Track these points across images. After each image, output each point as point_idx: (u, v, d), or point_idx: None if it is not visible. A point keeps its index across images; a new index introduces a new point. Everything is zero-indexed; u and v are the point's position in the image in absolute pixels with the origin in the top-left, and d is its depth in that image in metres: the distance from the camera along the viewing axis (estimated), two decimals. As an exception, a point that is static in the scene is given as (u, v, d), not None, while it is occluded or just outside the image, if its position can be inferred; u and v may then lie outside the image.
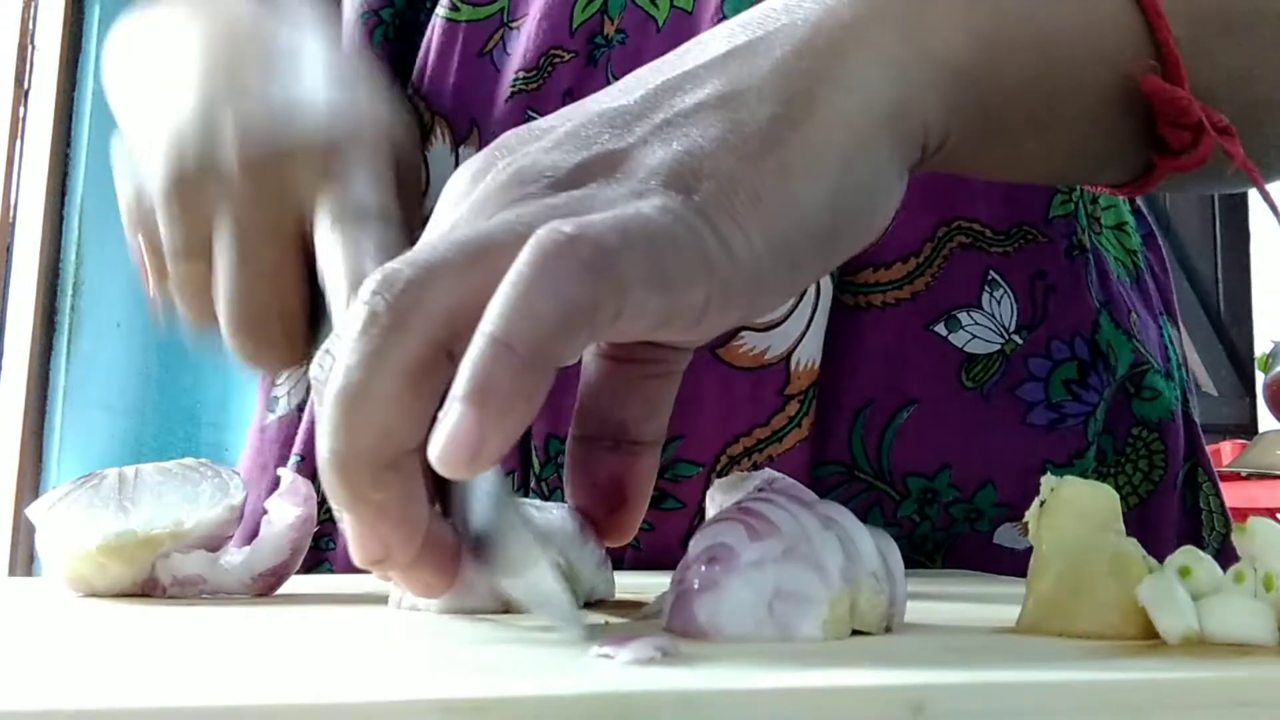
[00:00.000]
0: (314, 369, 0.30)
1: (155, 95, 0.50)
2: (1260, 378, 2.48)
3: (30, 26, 2.53)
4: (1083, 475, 0.53)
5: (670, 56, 0.34)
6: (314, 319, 0.46)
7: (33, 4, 2.53)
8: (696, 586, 0.28)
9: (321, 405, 0.29)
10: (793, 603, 0.27)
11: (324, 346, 0.30)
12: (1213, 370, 3.00)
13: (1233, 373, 3.02)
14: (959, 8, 0.35)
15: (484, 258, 0.28)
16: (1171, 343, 0.60)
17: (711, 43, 0.33)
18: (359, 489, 0.28)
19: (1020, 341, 0.54)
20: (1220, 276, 3.10)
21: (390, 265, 0.28)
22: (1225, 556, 0.50)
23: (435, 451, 0.26)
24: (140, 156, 0.48)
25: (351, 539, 0.28)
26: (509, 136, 0.33)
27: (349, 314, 0.28)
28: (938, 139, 0.34)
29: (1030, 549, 0.30)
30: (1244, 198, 3.09)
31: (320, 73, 0.48)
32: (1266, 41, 0.41)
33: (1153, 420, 0.56)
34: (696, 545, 0.29)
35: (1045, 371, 0.54)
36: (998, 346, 0.53)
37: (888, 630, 0.29)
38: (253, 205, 0.44)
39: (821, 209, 0.30)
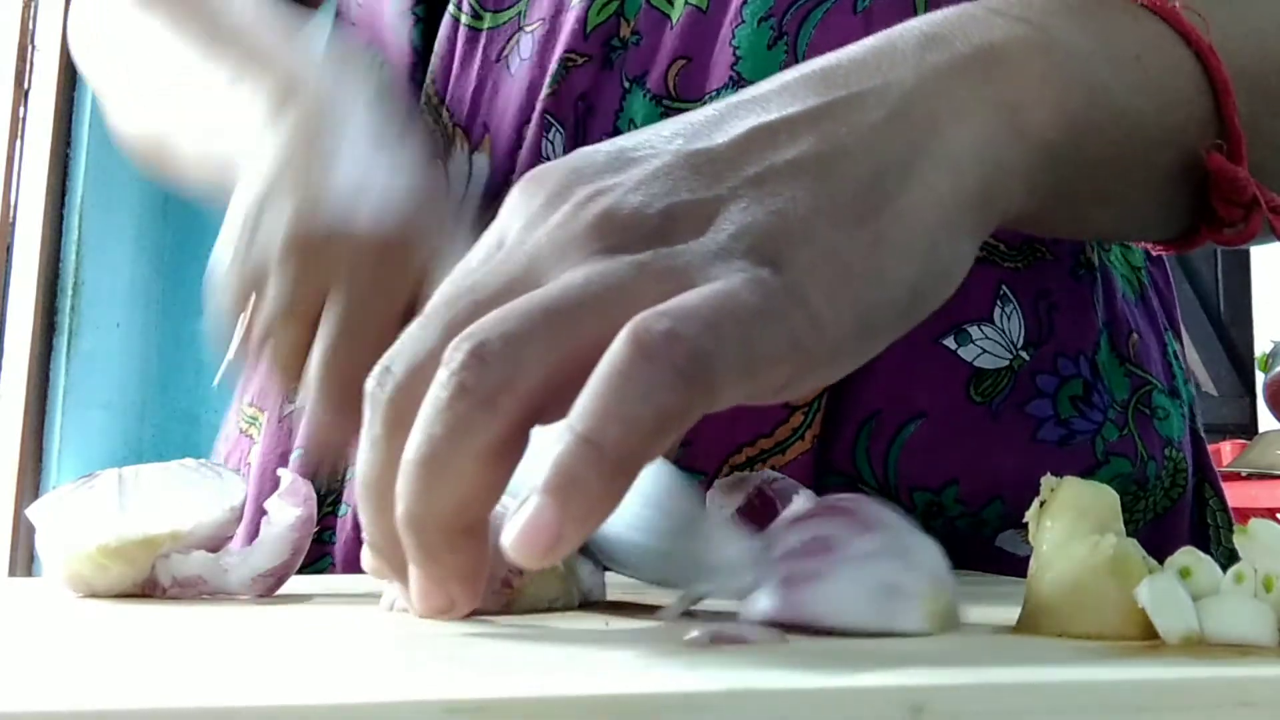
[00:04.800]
0: (370, 384, 0.30)
1: (257, 156, 0.50)
2: (1260, 378, 2.48)
3: (30, 26, 2.53)
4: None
5: (755, 93, 0.33)
6: None
7: (33, 4, 2.53)
8: (802, 577, 0.28)
9: (377, 437, 0.29)
10: (897, 596, 0.28)
11: (384, 362, 0.30)
12: (1213, 370, 3.00)
13: (1233, 373, 3.02)
14: (1053, 84, 0.34)
15: (573, 329, 0.28)
16: (1177, 358, 0.59)
17: (800, 89, 0.32)
18: (434, 551, 0.28)
19: (1027, 358, 0.53)
20: (1220, 276, 3.10)
21: (481, 333, 0.28)
22: None
23: (511, 539, 0.26)
24: (255, 212, 0.48)
25: (417, 592, 0.29)
26: (584, 160, 0.32)
27: (436, 380, 0.28)
28: (1012, 217, 0.35)
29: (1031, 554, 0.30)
30: (1244, 198, 3.09)
31: (420, 158, 0.50)
32: None
33: (1175, 439, 0.56)
34: (793, 536, 0.29)
35: (1053, 388, 0.53)
36: (1006, 362, 0.52)
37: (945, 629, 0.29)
38: (373, 279, 0.45)
39: (906, 286, 0.30)
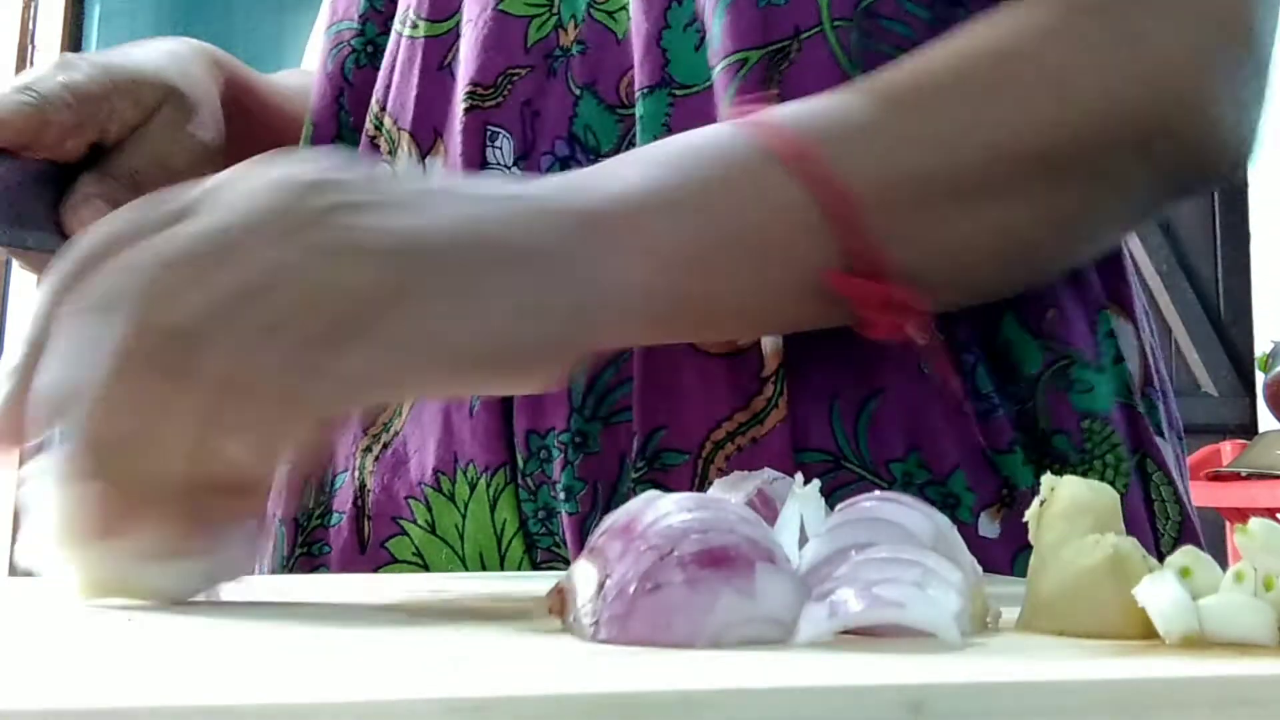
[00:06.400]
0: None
1: None
2: (1260, 378, 2.48)
3: (30, 26, 2.53)
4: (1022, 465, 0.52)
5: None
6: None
7: (33, 4, 2.53)
8: (848, 581, 0.28)
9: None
10: (948, 592, 0.27)
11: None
12: (1213, 370, 3.00)
13: (1233, 373, 3.02)
14: (662, 231, 0.42)
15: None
16: (1113, 335, 0.58)
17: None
18: None
19: (943, 336, 0.53)
20: (1220, 276, 3.10)
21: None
22: (1183, 543, 0.49)
23: None
24: None
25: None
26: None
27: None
28: (627, 341, 0.43)
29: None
30: (1243, 198, 3.09)
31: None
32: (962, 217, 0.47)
33: (1098, 412, 0.55)
34: (830, 543, 0.29)
35: (971, 363, 0.54)
36: (943, 339, 0.53)
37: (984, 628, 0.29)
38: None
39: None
